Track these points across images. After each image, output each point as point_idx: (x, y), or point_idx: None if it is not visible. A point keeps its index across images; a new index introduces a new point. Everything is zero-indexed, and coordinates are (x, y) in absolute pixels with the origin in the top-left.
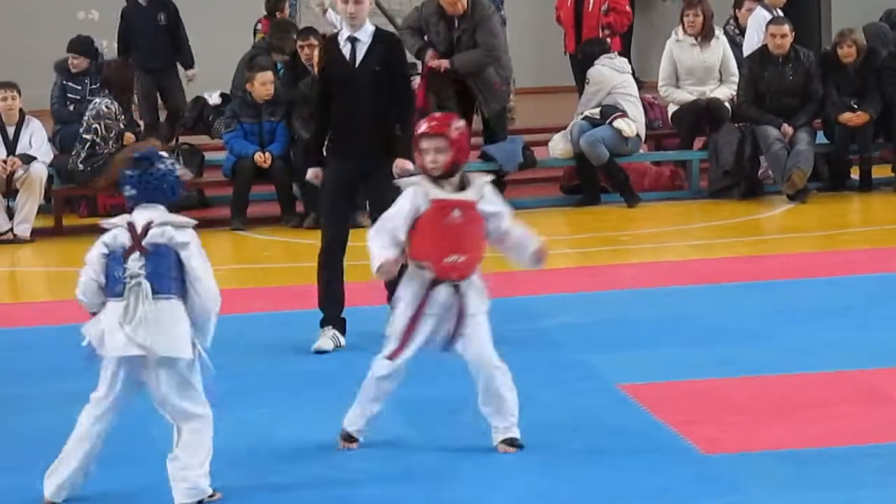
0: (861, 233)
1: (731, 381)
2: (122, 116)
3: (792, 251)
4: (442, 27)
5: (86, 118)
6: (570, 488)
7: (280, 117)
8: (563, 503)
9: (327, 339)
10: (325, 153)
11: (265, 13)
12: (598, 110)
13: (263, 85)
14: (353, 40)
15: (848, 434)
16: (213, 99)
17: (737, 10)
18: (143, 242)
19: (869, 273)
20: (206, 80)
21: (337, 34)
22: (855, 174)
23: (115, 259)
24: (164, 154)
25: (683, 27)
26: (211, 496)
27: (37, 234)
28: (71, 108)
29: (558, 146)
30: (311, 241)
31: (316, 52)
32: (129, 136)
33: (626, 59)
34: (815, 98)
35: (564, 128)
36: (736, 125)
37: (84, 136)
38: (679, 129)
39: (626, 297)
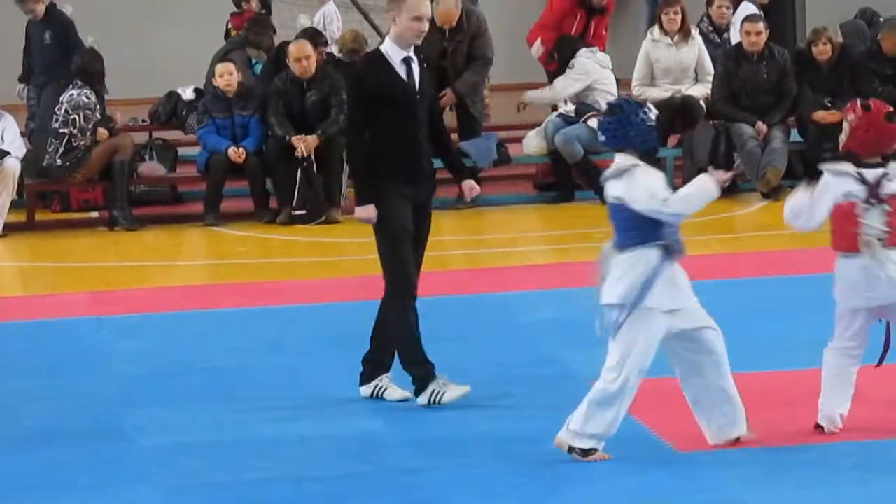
0: None
1: None
2: (99, 107)
3: (766, 248)
4: (433, 37)
5: (61, 111)
6: (545, 485)
7: (252, 111)
8: (538, 500)
9: (455, 387)
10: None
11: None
12: (573, 108)
13: (221, 76)
14: (408, 61)
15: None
16: (187, 94)
17: (709, 8)
18: None
19: None
20: (180, 75)
21: (378, 51)
22: None
23: None
24: (642, 104)
25: (661, 26)
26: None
27: (9, 228)
28: None
29: (532, 143)
30: (285, 237)
31: (312, 63)
32: (102, 132)
33: (606, 55)
34: (789, 96)
35: (539, 124)
36: (711, 123)
37: (61, 130)
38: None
39: None
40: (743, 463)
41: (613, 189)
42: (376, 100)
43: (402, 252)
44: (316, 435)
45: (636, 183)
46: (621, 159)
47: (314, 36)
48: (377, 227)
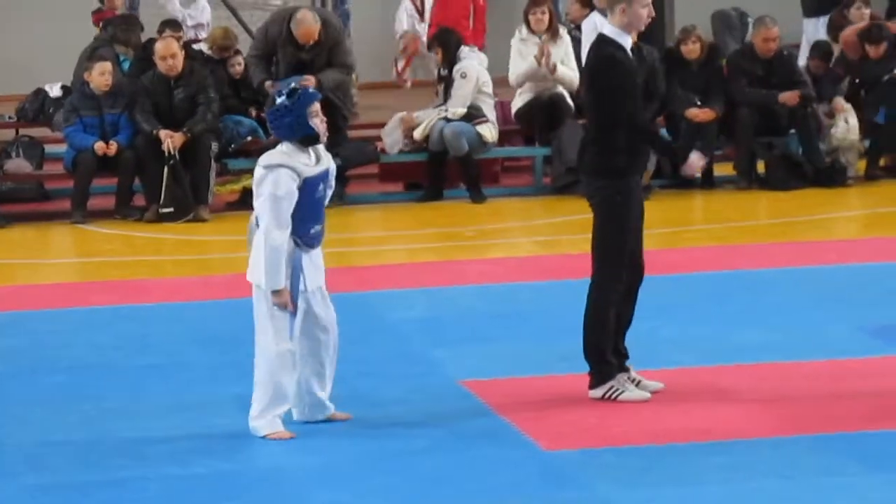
0: (703, 230)
1: (574, 377)
2: None
3: None
4: (289, 50)
5: None
6: (412, 484)
7: (122, 109)
8: (406, 500)
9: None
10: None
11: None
12: (462, 111)
13: (102, 75)
14: (633, 49)
15: (690, 431)
16: (54, 91)
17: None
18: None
19: (711, 270)
20: (47, 72)
21: (613, 39)
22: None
23: None
24: (292, 90)
25: (528, 26)
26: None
27: None
28: None
29: (395, 149)
30: (152, 235)
31: (179, 61)
32: None
33: (483, 54)
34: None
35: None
36: (580, 122)
37: None
38: (523, 126)
39: (470, 292)
40: (610, 462)
41: (257, 176)
42: (633, 86)
43: (626, 243)
44: (183, 434)
45: (265, 188)
46: (276, 155)
47: (172, 25)
48: (611, 216)
